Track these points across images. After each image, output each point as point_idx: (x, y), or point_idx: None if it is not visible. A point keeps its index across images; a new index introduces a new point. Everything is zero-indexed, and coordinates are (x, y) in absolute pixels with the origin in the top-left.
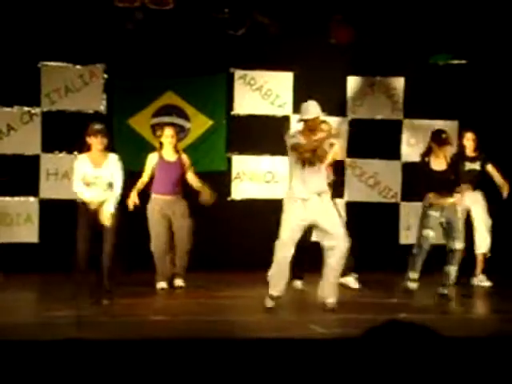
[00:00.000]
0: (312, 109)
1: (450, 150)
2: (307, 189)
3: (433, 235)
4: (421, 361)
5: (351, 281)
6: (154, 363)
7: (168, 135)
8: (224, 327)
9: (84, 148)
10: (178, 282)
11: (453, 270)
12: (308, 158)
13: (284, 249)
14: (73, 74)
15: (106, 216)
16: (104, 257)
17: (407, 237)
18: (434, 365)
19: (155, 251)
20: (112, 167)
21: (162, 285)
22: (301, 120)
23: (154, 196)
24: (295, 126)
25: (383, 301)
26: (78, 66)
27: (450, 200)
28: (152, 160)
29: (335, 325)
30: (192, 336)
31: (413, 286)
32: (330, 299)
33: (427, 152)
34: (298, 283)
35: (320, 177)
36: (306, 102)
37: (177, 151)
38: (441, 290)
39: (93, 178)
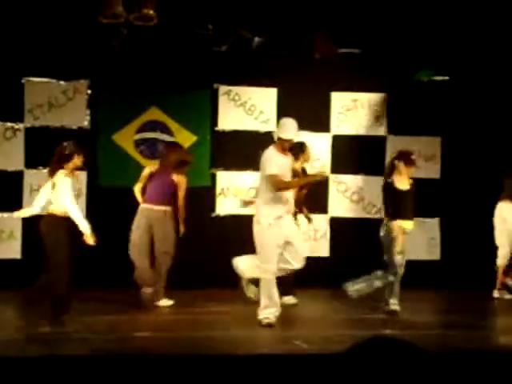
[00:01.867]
0: (292, 129)
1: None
2: (282, 207)
3: (404, 258)
4: (405, 377)
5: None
6: (140, 380)
7: None
8: (210, 343)
9: (55, 166)
10: (166, 302)
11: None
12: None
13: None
14: (56, 90)
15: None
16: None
17: None
18: (418, 380)
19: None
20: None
21: (148, 290)
22: (279, 138)
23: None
24: None
25: (367, 316)
26: (62, 82)
27: (411, 225)
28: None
29: (319, 341)
30: (177, 352)
31: (397, 308)
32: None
33: (390, 172)
34: (291, 298)
35: (290, 196)
36: (285, 118)
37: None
38: (392, 306)
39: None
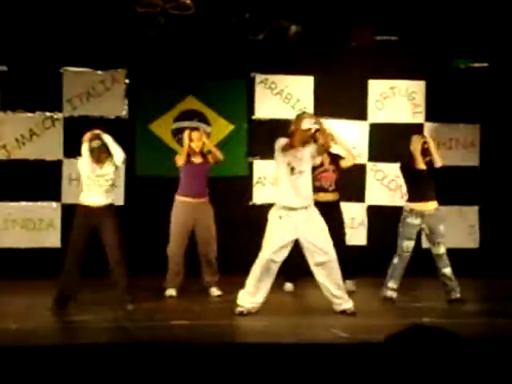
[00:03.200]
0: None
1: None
2: (296, 199)
3: (413, 245)
4: (444, 365)
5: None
6: (174, 368)
7: (194, 139)
8: (248, 331)
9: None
10: (215, 291)
11: (448, 271)
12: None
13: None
14: (95, 80)
15: None
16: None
17: None
18: (457, 369)
19: (171, 255)
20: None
21: (170, 292)
22: (309, 128)
23: (178, 198)
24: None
25: (406, 305)
26: (100, 72)
27: (431, 206)
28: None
29: (357, 329)
30: (214, 341)
31: (392, 294)
32: (346, 305)
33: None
34: (289, 286)
35: (308, 187)
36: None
37: (202, 154)
38: (453, 295)
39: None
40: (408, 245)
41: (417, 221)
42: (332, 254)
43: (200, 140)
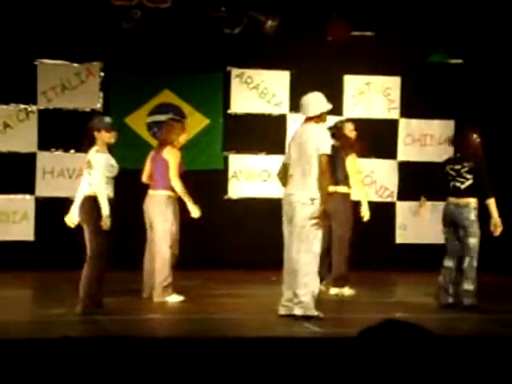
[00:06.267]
0: (323, 100)
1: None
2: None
3: None
4: (416, 360)
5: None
6: (150, 361)
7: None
8: (220, 325)
9: (86, 144)
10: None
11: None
12: None
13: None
14: (70, 72)
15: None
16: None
17: (403, 236)
18: (429, 364)
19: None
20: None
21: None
22: (318, 115)
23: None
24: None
25: (379, 300)
26: (75, 64)
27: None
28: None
29: (330, 324)
30: (187, 335)
31: None
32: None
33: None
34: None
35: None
36: (308, 94)
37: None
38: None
39: (113, 168)
40: None
41: None
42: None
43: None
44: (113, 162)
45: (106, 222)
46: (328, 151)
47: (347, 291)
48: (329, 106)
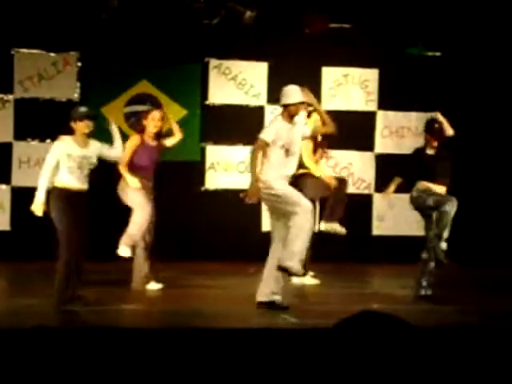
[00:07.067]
0: (296, 94)
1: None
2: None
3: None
4: (392, 350)
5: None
6: (128, 352)
7: (155, 118)
8: (197, 317)
9: (65, 134)
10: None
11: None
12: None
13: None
14: (46, 62)
15: None
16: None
17: (379, 228)
18: (405, 354)
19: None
20: (98, 148)
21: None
22: (284, 105)
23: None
24: (270, 116)
25: (356, 291)
26: (52, 54)
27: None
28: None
29: (307, 315)
30: (164, 326)
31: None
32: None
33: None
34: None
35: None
36: (287, 86)
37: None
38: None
39: (79, 158)
40: None
41: None
42: None
43: (160, 120)
44: (75, 151)
45: (34, 208)
46: (261, 135)
47: (339, 228)
48: (294, 100)
